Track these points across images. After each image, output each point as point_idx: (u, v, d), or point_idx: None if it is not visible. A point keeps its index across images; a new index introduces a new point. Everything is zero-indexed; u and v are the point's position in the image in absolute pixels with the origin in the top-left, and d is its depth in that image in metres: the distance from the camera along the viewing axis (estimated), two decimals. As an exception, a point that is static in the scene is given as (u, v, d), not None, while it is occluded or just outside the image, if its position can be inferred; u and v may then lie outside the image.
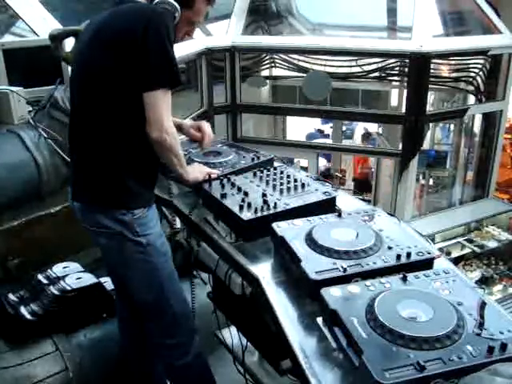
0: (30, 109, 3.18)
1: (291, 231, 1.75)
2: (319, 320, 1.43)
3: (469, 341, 1.22)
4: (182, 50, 5.20)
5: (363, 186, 9.60)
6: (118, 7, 2.02)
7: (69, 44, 3.08)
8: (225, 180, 2.17)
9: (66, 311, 2.55)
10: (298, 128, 10.63)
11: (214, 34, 6.74)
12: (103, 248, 2.19)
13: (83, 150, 2.08)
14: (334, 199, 2.03)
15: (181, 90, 5.53)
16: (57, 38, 3.06)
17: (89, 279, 2.68)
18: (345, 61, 6.55)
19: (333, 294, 1.39)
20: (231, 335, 2.43)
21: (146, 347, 2.49)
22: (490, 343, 1.19)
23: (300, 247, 1.65)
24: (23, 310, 2.49)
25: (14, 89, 3.06)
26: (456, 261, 6.63)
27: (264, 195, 2.01)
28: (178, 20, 2.06)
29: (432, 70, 6.15)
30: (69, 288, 2.58)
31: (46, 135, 3.00)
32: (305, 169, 7.26)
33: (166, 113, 1.96)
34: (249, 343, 2.25)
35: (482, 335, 1.24)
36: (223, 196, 2.03)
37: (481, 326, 1.27)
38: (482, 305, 1.33)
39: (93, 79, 1.98)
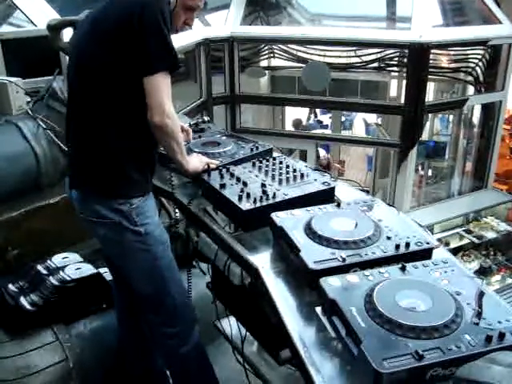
0: (29, 99, 3.17)
1: (290, 221, 1.75)
2: (318, 310, 1.44)
3: (467, 330, 1.23)
4: (181, 40, 5.18)
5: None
6: None
7: (67, 34, 3.06)
8: (224, 170, 2.17)
9: (66, 301, 2.56)
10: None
11: (212, 24, 6.72)
12: (101, 238, 2.18)
13: (82, 138, 2.07)
14: (332, 189, 2.03)
15: (180, 81, 5.52)
16: (55, 29, 3.04)
17: (88, 269, 2.68)
18: (344, 51, 6.55)
19: (332, 284, 1.39)
20: (230, 325, 2.43)
21: (145, 338, 2.50)
22: (488, 332, 1.20)
23: (299, 237, 1.66)
24: (23, 301, 2.50)
25: (13, 79, 3.05)
26: (455, 251, 6.65)
27: (263, 185, 2.01)
28: (175, 6, 2.05)
29: (431, 61, 6.13)
30: (68, 278, 2.59)
31: (44, 126, 2.99)
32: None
33: (167, 97, 1.95)
34: (248, 333, 2.25)
35: (480, 325, 1.24)
36: (222, 186, 2.03)
37: (479, 315, 1.27)
38: (481, 294, 1.34)
39: (92, 68, 1.97)
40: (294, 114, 10.09)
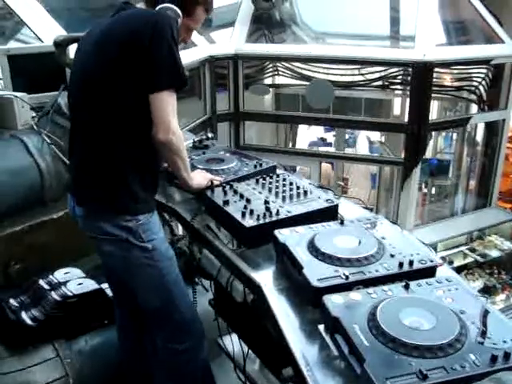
0: (34, 114, 3.19)
1: (293, 238, 1.75)
2: (321, 327, 1.43)
3: (472, 349, 1.21)
4: (186, 57, 5.22)
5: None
6: (122, 13, 2.04)
7: (73, 51, 3.09)
8: (227, 187, 2.17)
9: (67, 317, 2.54)
10: (301, 136, 10.65)
11: (217, 41, 6.77)
12: (108, 255, 2.16)
13: (87, 155, 2.07)
14: (336, 207, 2.03)
15: (184, 98, 5.55)
16: (61, 45, 3.07)
17: (90, 285, 2.67)
18: (348, 69, 6.58)
19: (335, 302, 1.38)
20: (232, 342, 2.42)
21: (146, 356, 2.48)
22: (493, 352, 1.18)
23: (302, 254, 1.65)
24: (24, 316, 2.48)
25: (18, 94, 3.06)
26: (458, 270, 6.62)
27: (266, 202, 2.01)
28: (179, 27, 2.08)
29: (435, 79, 6.16)
30: (70, 294, 2.58)
31: (49, 141, 3.00)
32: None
33: (173, 114, 1.96)
34: (250, 351, 2.24)
35: (484, 344, 1.23)
36: (226, 203, 2.03)
37: (483, 334, 1.26)
38: (485, 313, 1.33)
39: (98, 84, 1.98)
40: (298, 131, 10.10)
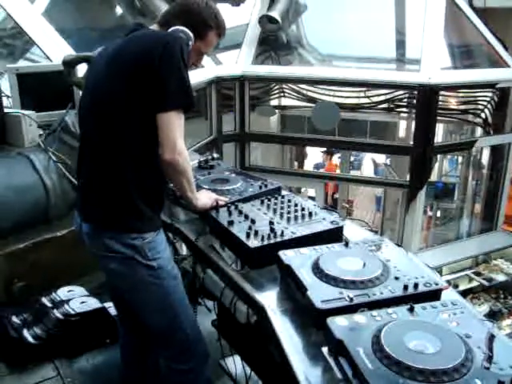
0: (41, 132, 3.21)
1: (298, 260, 1.74)
2: (325, 350, 1.41)
3: (478, 374, 1.20)
4: (193, 78, 5.26)
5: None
6: (135, 33, 2.07)
7: (81, 70, 3.13)
8: (232, 207, 2.18)
9: (69, 335, 2.53)
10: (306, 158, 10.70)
11: (224, 63, 6.83)
12: (113, 273, 2.15)
13: (95, 173, 2.08)
14: (341, 228, 2.03)
15: (191, 118, 5.57)
16: (70, 64, 3.11)
17: (93, 304, 2.66)
18: (353, 92, 6.61)
19: (339, 324, 1.37)
20: (235, 364, 2.40)
21: (148, 375, 2.46)
22: (500, 378, 1.17)
23: (306, 276, 1.64)
24: (26, 333, 2.48)
25: (26, 112, 3.10)
26: (464, 294, 6.54)
27: (271, 223, 2.00)
28: (190, 49, 2.11)
29: (440, 102, 6.18)
30: (72, 312, 2.57)
31: (55, 159, 3.02)
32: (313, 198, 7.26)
33: (180, 135, 1.97)
34: (252, 373, 2.22)
35: (491, 369, 1.21)
36: (230, 223, 2.03)
37: (490, 359, 1.24)
38: (491, 338, 1.31)
39: (108, 103, 2.00)
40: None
